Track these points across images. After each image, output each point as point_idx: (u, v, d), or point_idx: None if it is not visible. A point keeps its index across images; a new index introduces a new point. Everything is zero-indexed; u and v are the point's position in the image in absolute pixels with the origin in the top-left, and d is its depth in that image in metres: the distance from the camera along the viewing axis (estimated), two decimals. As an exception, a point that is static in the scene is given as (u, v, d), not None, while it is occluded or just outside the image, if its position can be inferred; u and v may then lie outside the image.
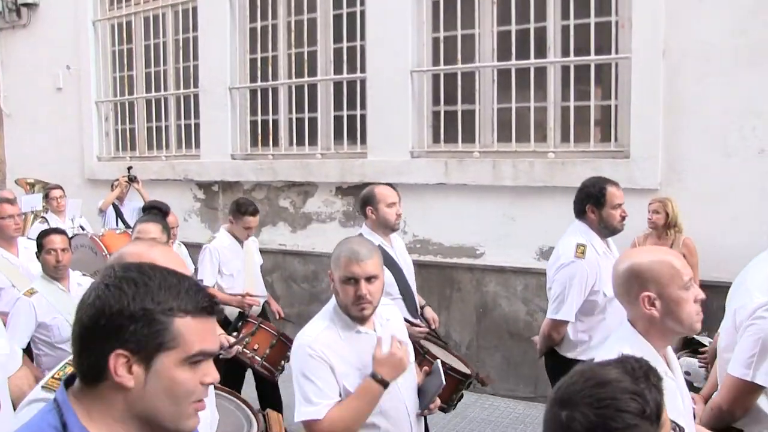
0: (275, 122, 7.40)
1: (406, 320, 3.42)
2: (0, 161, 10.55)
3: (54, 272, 4.09)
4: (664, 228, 5.18)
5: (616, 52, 5.53)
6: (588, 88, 5.74)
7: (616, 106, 5.61)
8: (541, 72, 5.88)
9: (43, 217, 6.91)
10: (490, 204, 6.05)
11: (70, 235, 6.46)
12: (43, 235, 4.14)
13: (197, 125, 7.98)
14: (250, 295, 5.11)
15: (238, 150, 7.65)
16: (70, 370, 1.65)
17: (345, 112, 6.90)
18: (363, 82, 6.71)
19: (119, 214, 7.56)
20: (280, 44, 7.31)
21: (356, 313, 2.54)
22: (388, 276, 3.83)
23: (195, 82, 7.96)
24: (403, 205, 6.38)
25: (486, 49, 6.13)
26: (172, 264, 1.55)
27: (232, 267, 5.26)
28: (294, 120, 7.28)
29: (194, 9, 7.92)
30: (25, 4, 9.61)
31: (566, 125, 5.80)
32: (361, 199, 4.19)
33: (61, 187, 7.28)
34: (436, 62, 6.39)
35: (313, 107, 7.11)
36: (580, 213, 3.94)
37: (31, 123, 9.89)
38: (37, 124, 9.76)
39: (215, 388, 3.03)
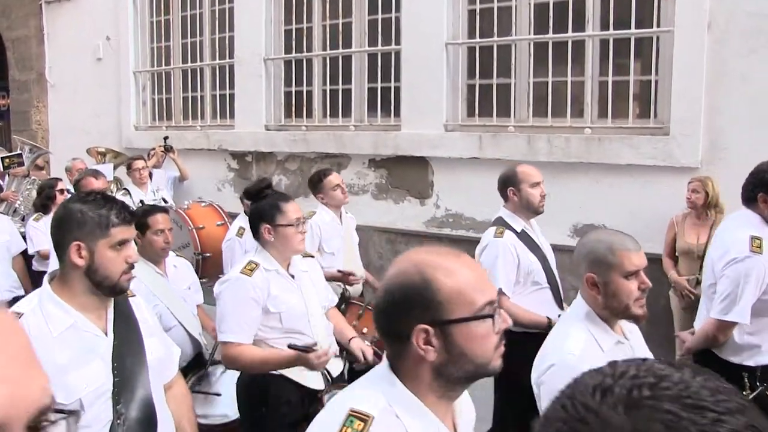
0: (309, 93, 7.37)
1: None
2: (44, 130, 10.75)
3: (159, 254, 3.79)
4: (704, 208, 5.01)
5: (658, 25, 5.35)
6: (627, 62, 5.58)
7: (656, 81, 5.44)
8: (579, 45, 5.73)
9: (125, 189, 6.70)
10: (524, 180, 5.95)
11: None
12: (147, 214, 3.78)
13: (232, 96, 8.00)
14: (352, 275, 4.86)
15: (272, 121, 7.65)
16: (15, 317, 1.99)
17: (379, 84, 6.83)
18: (398, 54, 6.63)
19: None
20: (315, 15, 7.25)
21: (637, 310, 2.31)
22: (536, 263, 3.75)
23: (230, 52, 7.96)
24: (436, 178, 6.46)
25: (523, 22, 6.00)
26: None
27: (333, 245, 5.03)
28: (328, 91, 7.24)
29: (230, -20, 7.91)
30: (68, -23, 9.71)
31: (604, 100, 5.65)
32: (502, 180, 3.97)
33: (143, 158, 7.10)
34: (471, 35, 6.27)
35: (347, 79, 7.06)
36: (749, 200, 3.45)
37: (72, 92, 10.05)
38: (78, 94, 9.92)
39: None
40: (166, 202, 6.84)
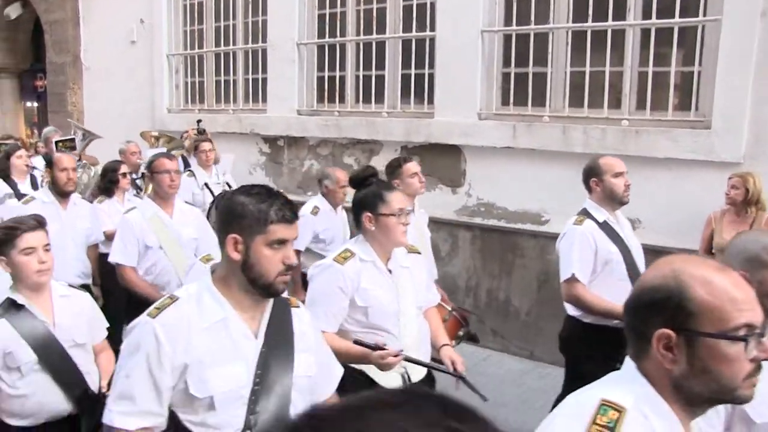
0: (342, 79, 7.33)
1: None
2: (79, 111, 10.86)
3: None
4: (744, 205, 4.86)
5: (704, 14, 5.20)
6: (668, 52, 5.44)
7: (698, 72, 5.29)
8: (618, 35, 5.61)
9: (189, 170, 6.63)
10: (558, 170, 5.86)
11: (215, 192, 6.22)
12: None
13: (264, 80, 8.00)
14: None
15: (304, 105, 7.63)
16: (168, 302, 2.06)
17: (413, 71, 6.77)
18: (432, 40, 6.56)
19: (186, 165, 7.64)
20: (349, 0, 7.19)
21: None
22: (616, 255, 3.67)
23: (263, 36, 7.95)
24: (468, 167, 6.39)
25: (561, 10, 5.88)
26: None
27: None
28: (361, 77, 7.19)
29: (264, -36, 7.88)
30: (103, -41, 9.76)
31: (643, 91, 5.53)
32: (585, 172, 3.89)
33: (210, 140, 6.97)
34: (508, 22, 6.18)
35: (380, 65, 7.01)
36: None
37: (106, 75, 10.14)
38: (112, 76, 10.00)
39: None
40: (230, 186, 6.61)
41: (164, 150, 6.92)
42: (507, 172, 6.15)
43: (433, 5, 6.54)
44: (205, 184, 6.40)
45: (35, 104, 14.99)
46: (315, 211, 5.33)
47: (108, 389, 2.80)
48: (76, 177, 4.98)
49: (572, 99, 5.88)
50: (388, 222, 2.99)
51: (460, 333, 4.56)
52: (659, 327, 1.39)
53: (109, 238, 5.35)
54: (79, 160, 7.15)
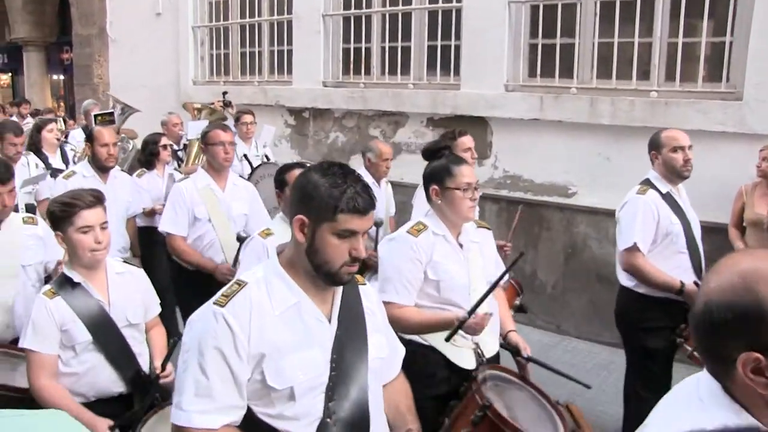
0: (368, 50, 7.31)
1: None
2: (105, 83, 10.94)
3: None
4: (775, 177, 4.83)
5: (737, -17, 5.12)
6: (699, 23, 5.37)
7: (730, 43, 5.22)
8: (647, 5, 5.53)
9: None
10: (586, 143, 5.84)
11: (255, 164, 6.28)
12: (286, 170, 3.67)
13: (290, 51, 8.00)
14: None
15: (329, 77, 7.63)
16: (235, 288, 1.92)
17: (439, 42, 6.73)
18: (458, 11, 6.52)
19: None
20: (375, -30, 7.16)
21: None
22: (677, 226, 3.67)
23: (289, 8, 7.93)
24: (495, 139, 6.38)
25: (590, -21, 5.81)
26: None
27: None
28: (387, 48, 7.17)
29: (290, -66, 7.84)
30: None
31: (672, 63, 5.47)
32: (648, 144, 3.87)
33: (252, 113, 6.92)
34: (536, -8, 6.12)
35: (406, 36, 6.98)
36: None
37: (132, 47, 10.18)
38: (138, 48, 10.04)
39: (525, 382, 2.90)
40: (268, 159, 6.69)
41: (206, 122, 6.78)
42: (534, 145, 6.14)
43: (459, -25, 6.48)
44: (244, 156, 6.38)
45: (61, 77, 15.15)
46: None
47: (162, 370, 2.81)
48: (116, 152, 4.91)
49: (600, 70, 5.84)
50: (455, 196, 2.93)
51: (517, 302, 4.56)
52: (742, 350, 1.18)
53: (148, 214, 5.41)
54: (118, 133, 7.12)
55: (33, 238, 3.54)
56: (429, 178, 3.03)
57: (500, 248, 4.12)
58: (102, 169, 4.82)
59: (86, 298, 2.76)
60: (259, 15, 8.38)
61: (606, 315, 5.76)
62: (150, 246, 5.25)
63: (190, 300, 3.10)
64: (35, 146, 6.06)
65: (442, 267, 2.94)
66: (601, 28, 5.81)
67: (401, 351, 2.35)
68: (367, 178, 5.25)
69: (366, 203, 1.89)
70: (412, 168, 6.36)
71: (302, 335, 1.92)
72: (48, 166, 5.87)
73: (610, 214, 5.70)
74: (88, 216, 2.73)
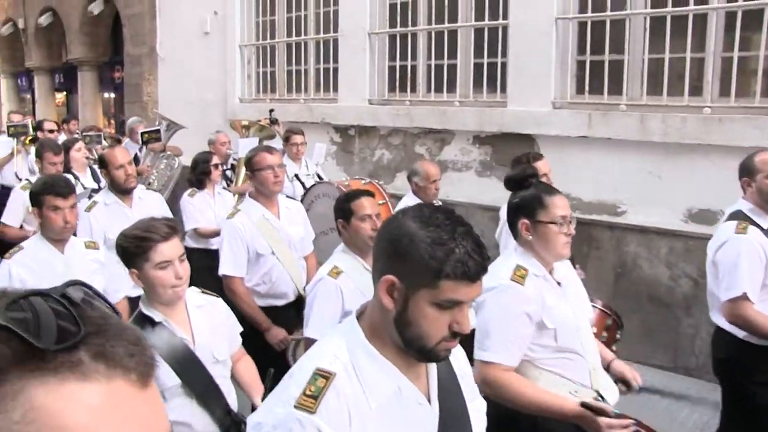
0: (413, 68, 7.32)
1: None
2: (154, 101, 11.18)
3: (366, 244, 3.23)
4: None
5: (794, -4, 4.99)
6: (755, 36, 5.24)
7: (787, 57, 5.09)
8: (700, 19, 5.43)
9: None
10: (636, 160, 5.73)
11: (308, 185, 6.07)
12: (351, 198, 3.35)
13: (336, 69, 8.06)
14: None
15: (375, 95, 7.66)
16: (322, 383, 1.50)
17: (485, 60, 6.70)
18: (505, 29, 6.48)
19: None
20: (421, -11, 7.18)
21: None
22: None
23: (335, 26, 8.00)
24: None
25: (640, -6, 5.73)
26: None
27: None
28: (433, 66, 7.17)
29: (335, -46, 7.93)
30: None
31: (727, 78, 5.34)
32: (739, 169, 3.49)
33: (302, 132, 6.67)
34: (583, 9, 6.05)
35: (452, 54, 6.97)
36: None
37: (180, 66, 10.38)
38: (186, 67, 10.24)
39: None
40: (321, 178, 6.51)
41: (255, 139, 6.72)
42: (582, 162, 6.05)
43: (505, -7, 6.46)
44: (296, 176, 6.18)
45: (112, 95, 15.51)
46: None
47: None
48: (134, 170, 4.66)
49: (650, 87, 5.73)
50: (548, 231, 2.60)
51: (618, 336, 4.09)
52: None
53: (202, 235, 5.31)
54: (164, 151, 7.14)
55: (95, 263, 3.44)
56: (517, 211, 2.69)
57: None
58: (124, 192, 4.47)
59: (170, 338, 2.51)
60: (305, 33, 8.48)
61: (658, 337, 5.65)
62: (200, 271, 5.18)
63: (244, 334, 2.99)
64: (65, 166, 5.94)
65: (555, 312, 2.59)
66: (651, 43, 5.71)
67: (483, 406, 1.99)
68: (417, 202, 5.20)
69: (478, 267, 1.49)
70: (458, 186, 6.36)
71: (404, 425, 1.57)
72: (81, 185, 5.85)
73: (660, 233, 5.63)
74: (165, 250, 2.47)
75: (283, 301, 4.01)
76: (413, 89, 7.33)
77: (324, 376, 1.50)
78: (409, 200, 5.12)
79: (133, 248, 2.49)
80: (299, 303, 3.83)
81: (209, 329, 2.64)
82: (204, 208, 5.51)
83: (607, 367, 2.83)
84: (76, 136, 8.62)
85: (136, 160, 7.02)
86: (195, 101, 9.77)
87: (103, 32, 14.28)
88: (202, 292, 2.80)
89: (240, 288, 3.90)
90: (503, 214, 4.80)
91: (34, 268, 3.29)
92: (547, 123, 6.15)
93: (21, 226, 5.23)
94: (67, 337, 0.61)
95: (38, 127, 8.10)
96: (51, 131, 7.99)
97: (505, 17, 6.46)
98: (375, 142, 7.66)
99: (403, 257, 1.49)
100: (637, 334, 5.79)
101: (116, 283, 3.45)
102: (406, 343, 1.53)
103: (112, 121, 16.24)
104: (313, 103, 8.33)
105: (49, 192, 3.30)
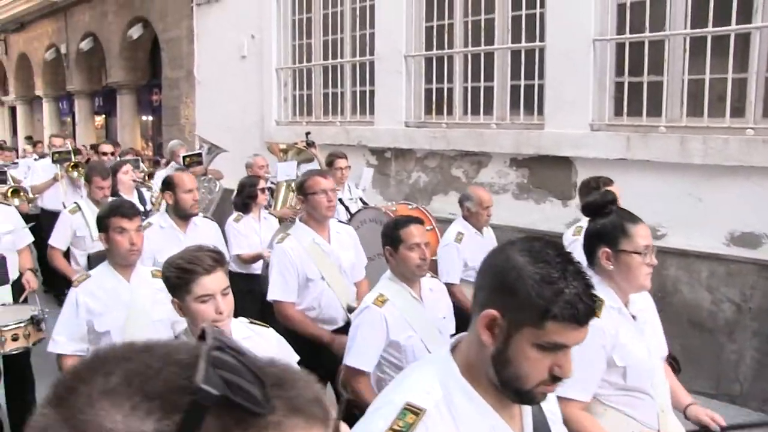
0: (450, 90, 7.35)
1: None
2: (191, 124, 11.36)
3: (414, 273, 3.19)
4: None
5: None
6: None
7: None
8: (742, 39, 5.37)
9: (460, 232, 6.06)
10: (676, 183, 5.66)
11: (352, 209, 6.01)
12: (399, 226, 3.28)
13: (372, 92, 8.12)
14: None
15: (411, 117, 7.70)
16: (411, 419, 1.43)
17: (522, 82, 6.70)
18: (542, 51, 6.48)
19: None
20: (457, 12, 7.22)
21: None
22: None
23: (371, 49, 8.07)
24: (580, 180, 6.25)
25: (678, 15, 5.68)
26: None
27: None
28: (469, 89, 7.19)
29: (372, -22, 8.02)
30: (219, -20, 10.22)
31: (770, 99, 5.27)
32: None
33: (345, 156, 6.56)
34: (621, 30, 6.03)
35: (489, 76, 6.98)
36: None
37: (217, 89, 10.55)
38: (223, 90, 10.40)
39: None
40: (364, 203, 6.46)
41: (294, 163, 6.73)
42: (621, 185, 5.95)
43: (542, 15, 6.46)
44: (339, 200, 5.95)
45: (150, 118, 15.80)
46: (459, 237, 5.04)
47: None
48: (198, 197, 4.70)
49: (690, 108, 5.68)
50: (632, 261, 2.50)
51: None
52: None
53: (244, 261, 5.23)
54: (205, 174, 7.06)
55: (161, 292, 3.17)
56: (597, 239, 2.58)
57: None
58: (184, 217, 4.47)
59: None
60: (342, 56, 8.56)
61: (700, 363, 5.54)
62: (242, 296, 5.17)
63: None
64: (112, 189, 5.90)
65: (628, 349, 2.48)
66: (691, 64, 5.67)
67: None
68: (467, 228, 5.12)
69: (587, 311, 1.40)
70: (494, 209, 6.29)
71: None
72: None
73: (701, 256, 5.55)
74: (207, 283, 2.38)
75: (332, 327, 3.93)
76: (450, 111, 7.35)
77: (414, 411, 1.43)
78: (459, 226, 5.13)
79: (175, 278, 2.42)
80: (348, 329, 3.73)
81: None
82: (249, 233, 5.44)
83: (684, 410, 2.73)
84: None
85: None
86: (232, 124, 9.91)
87: (142, 56, 14.61)
88: (251, 322, 2.71)
89: (291, 312, 3.86)
90: (566, 240, 4.75)
91: (100, 296, 3.29)
92: (585, 145, 6.11)
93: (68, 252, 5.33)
94: (261, 398, 0.59)
95: (94, 148, 8.12)
96: (105, 153, 7.98)
97: (542, 39, 6.46)
98: (411, 165, 7.68)
99: (508, 292, 1.42)
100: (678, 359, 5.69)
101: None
102: (503, 383, 1.46)
103: (150, 144, 16.53)
104: (350, 125, 8.39)
105: (115, 214, 3.31)
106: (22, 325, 3.96)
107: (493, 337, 1.44)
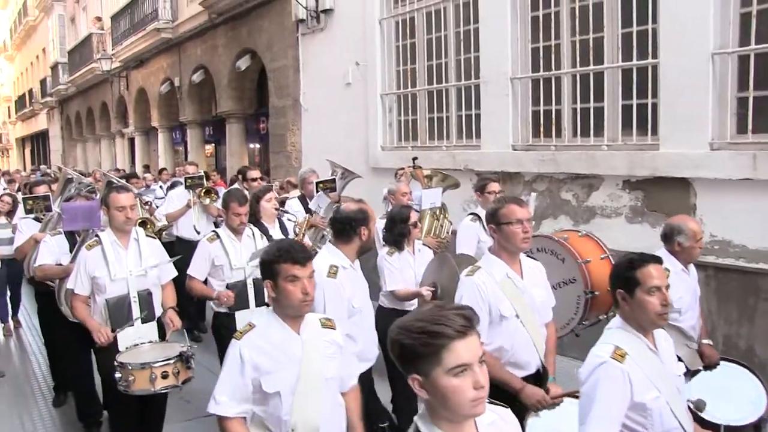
0: (558, 112, 7.19)
1: None
2: (297, 150, 11.64)
3: (657, 321, 2.84)
4: None
5: None
6: None
7: None
8: None
9: (474, 214, 5.80)
10: (809, 203, 5.29)
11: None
12: (638, 265, 2.89)
13: (478, 116, 8.06)
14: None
15: (519, 140, 7.58)
16: None
17: (634, 101, 6.46)
18: (655, 68, 6.23)
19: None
20: (563, 32, 7.07)
21: None
22: None
23: (476, 73, 8.03)
24: (699, 202, 5.95)
25: (809, 24, 5.35)
26: None
27: None
28: (578, 110, 7.01)
29: (475, 1, 8.03)
30: (324, 11, 10.48)
31: None
32: None
33: (498, 180, 6.21)
34: (744, 42, 5.70)
35: (598, 96, 6.78)
36: None
37: (323, 116, 10.78)
38: (329, 117, 10.62)
39: None
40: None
41: (439, 190, 6.45)
42: (745, 206, 5.65)
43: (654, 31, 6.23)
44: None
45: (257, 145, 16.30)
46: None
47: None
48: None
49: (823, 123, 5.31)
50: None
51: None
52: None
53: (399, 298, 4.93)
54: (338, 201, 6.35)
55: (333, 346, 3.00)
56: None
57: None
58: (364, 252, 4.15)
59: None
60: (447, 81, 8.57)
61: None
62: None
63: None
64: (254, 216, 5.71)
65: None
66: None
67: None
68: (674, 265, 4.29)
69: None
70: (607, 233, 6.08)
71: None
72: (269, 238, 5.49)
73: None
74: (462, 350, 1.79)
75: (524, 373, 3.55)
76: (558, 134, 7.19)
77: None
78: (668, 263, 3.95)
79: (421, 347, 1.80)
80: (539, 376, 3.58)
81: None
82: (404, 268, 5.04)
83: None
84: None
85: (308, 211, 6.83)
86: (337, 150, 10.06)
87: (249, 86, 15.15)
88: (489, 402, 1.99)
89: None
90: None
91: (268, 350, 2.85)
92: (705, 165, 5.81)
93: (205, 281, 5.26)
94: None
95: (241, 174, 8.08)
96: (254, 179, 7.77)
97: (654, 56, 6.22)
98: (519, 189, 7.54)
99: None
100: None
101: (350, 368, 3.16)
102: None
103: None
104: (456, 149, 8.36)
105: (285, 260, 2.83)
106: (171, 362, 3.95)
107: None
